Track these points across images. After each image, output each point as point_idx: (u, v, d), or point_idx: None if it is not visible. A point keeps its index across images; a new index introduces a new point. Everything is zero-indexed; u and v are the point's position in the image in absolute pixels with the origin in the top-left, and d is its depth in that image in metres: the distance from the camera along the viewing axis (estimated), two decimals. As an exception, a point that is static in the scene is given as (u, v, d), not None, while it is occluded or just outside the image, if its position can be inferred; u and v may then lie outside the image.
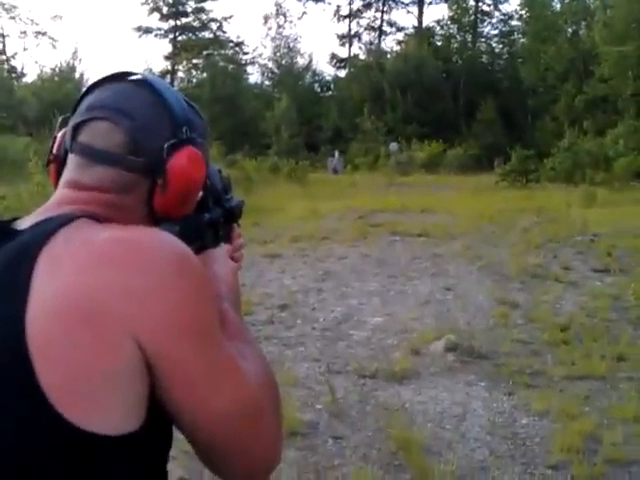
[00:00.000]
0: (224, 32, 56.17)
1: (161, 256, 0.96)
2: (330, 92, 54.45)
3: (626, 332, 6.64)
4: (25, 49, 66.58)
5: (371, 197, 19.52)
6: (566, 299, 8.13)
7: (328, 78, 56.99)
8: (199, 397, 0.96)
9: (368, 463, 4.11)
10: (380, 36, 58.11)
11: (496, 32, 53.78)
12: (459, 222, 14.27)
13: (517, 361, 5.91)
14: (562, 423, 4.64)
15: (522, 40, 50.79)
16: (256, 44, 58.87)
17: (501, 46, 54.00)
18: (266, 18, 58.61)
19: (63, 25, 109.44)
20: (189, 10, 54.52)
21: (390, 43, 77.40)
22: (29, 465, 0.92)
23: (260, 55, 70.86)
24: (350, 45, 58.63)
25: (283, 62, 55.49)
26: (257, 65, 58.44)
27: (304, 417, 4.76)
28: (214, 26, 55.31)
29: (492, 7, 53.16)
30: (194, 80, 53.69)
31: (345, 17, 58.03)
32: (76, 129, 1.12)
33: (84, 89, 1.17)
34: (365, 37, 60.28)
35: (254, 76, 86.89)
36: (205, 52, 54.42)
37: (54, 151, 1.18)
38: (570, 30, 44.09)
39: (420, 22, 55.98)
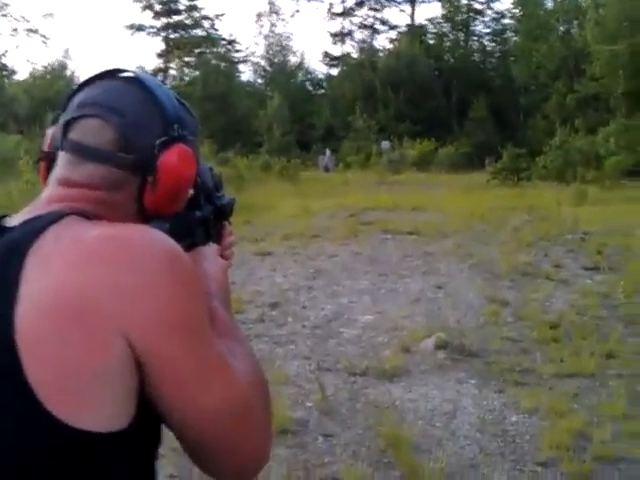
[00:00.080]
0: (216, 30, 56.15)
1: (151, 253, 0.96)
2: (322, 90, 54.47)
3: (616, 330, 6.67)
4: (16, 47, 66.36)
5: (362, 195, 19.52)
6: (556, 297, 8.16)
7: (320, 76, 57.07)
8: (189, 395, 0.96)
9: (358, 461, 4.12)
10: (373, 34, 58.17)
11: (488, 30, 53.90)
12: (450, 220, 14.29)
13: (507, 359, 5.93)
14: (551, 420, 4.66)
15: (514, 38, 50.91)
16: (249, 42, 59.46)
17: (493, 44, 54.09)
18: (259, 16, 58.77)
19: (55, 23, 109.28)
20: (181, 8, 54.40)
21: (383, 41, 77.67)
22: (19, 462, 0.92)
23: (252, 53, 70.77)
24: (343, 43, 58.87)
25: (275, 60, 55.46)
26: (249, 63, 58.65)
27: (294, 415, 4.76)
28: (206, 24, 55.25)
29: (484, 5, 53.24)
30: (186, 78, 53.57)
31: (338, 15, 58.03)
32: (67, 126, 1.11)
33: (75, 86, 1.17)
34: (358, 35, 60.50)
35: (246, 74, 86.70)
36: (197, 50, 54.30)
37: (44, 148, 1.17)
38: (562, 29, 44.19)
39: (413, 20, 56.04)
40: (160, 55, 54.97)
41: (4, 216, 1.08)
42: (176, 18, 54.77)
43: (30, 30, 51.07)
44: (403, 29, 56.90)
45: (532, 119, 42.69)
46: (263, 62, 56.52)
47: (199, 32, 55.38)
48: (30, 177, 12.60)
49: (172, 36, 55.16)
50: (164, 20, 54.44)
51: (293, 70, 55.25)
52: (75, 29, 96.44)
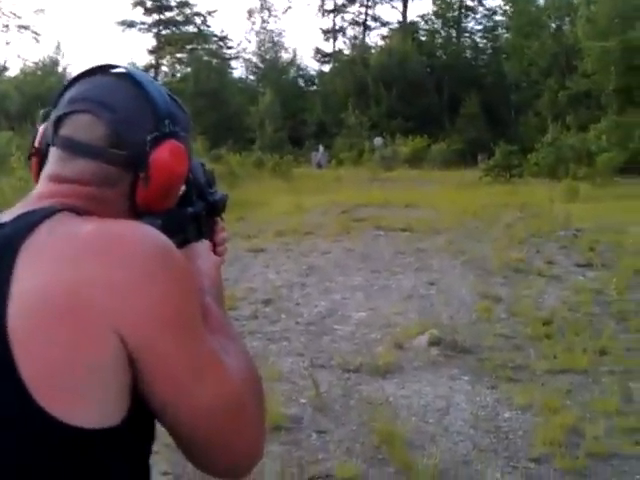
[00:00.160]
0: (208, 26, 56.08)
1: (143, 249, 0.96)
2: (314, 87, 54.49)
3: (608, 326, 6.69)
4: (7, 43, 66.19)
5: (355, 192, 19.52)
6: (549, 293, 8.18)
7: (312, 73, 57.07)
8: (181, 391, 0.96)
9: (352, 457, 4.12)
10: (364, 31, 58.16)
11: (480, 27, 53.99)
12: (443, 217, 14.30)
13: (500, 355, 5.94)
14: (544, 417, 4.67)
15: (506, 35, 50.98)
16: (240, 38, 59.30)
17: (485, 41, 54.18)
18: (250, 12, 58.87)
19: (46, 19, 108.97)
20: (173, 4, 54.27)
21: (374, 38, 77.35)
22: (14, 458, 0.92)
23: (244, 50, 70.77)
24: (334, 40, 58.68)
25: (267, 57, 55.43)
26: (241, 60, 58.34)
27: (288, 411, 4.76)
28: (198, 20, 55.15)
29: (476, 2, 53.32)
30: (178, 74, 53.51)
31: (329, 12, 58.01)
32: (58, 122, 1.11)
33: (66, 82, 1.16)
34: (349, 32, 60.29)
35: (238, 71, 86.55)
36: (189, 46, 54.23)
37: (36, 144, 1.17)
38: (554, 25, 44.28)
39: (404, 17, 56.04)
40: (151, 51, 54.88)
41: (-4, 212, 1.08)
42: (167, 14, 54.67)
43: (21, 26, 51.01)
44: (395, 26, 57.00)
45: (524, 116, 42.78)
46: (255, 58, 56.55)
47: (191, 28, 55.32)
48: (22, 174, 12.57)
49: (163, 32, 55.06)
50: (155, 16, 54.32)
51: (285, 66, 55.24)
52: (66, 25, 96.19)
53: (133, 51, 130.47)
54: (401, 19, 56.42)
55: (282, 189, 20.19)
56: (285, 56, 56.31)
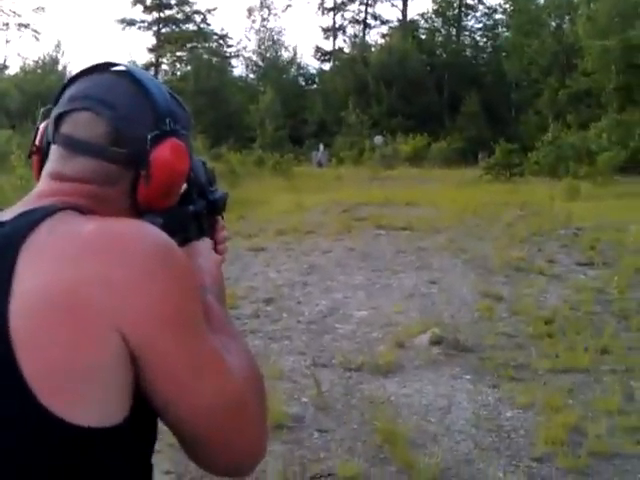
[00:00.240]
0: (208, 25, 56.12)
1: (143, 247, 0.95)
2: (315, 85, 54.53)
3: (610, 325, 6.68)
4: (7, 41, 66.17)
5: (356, 190, 19.53)
6: (550, 292, 8.17)
7: (313, 71, 57.13)
8: (182, 389, 0.96)
9: (354, 456, 4.11)
10: (364, 29, 58.23)
11: (480, 26, 54.06)
12: (443, 216, 14.31)
13: (501, 354, 5.93)
14: (546, 416, 4.66)
15: (506, 34, 51.00)
16: (240, 37, 59.24)
17: (485, 40, 54.23)
18: (250, 11, 58.72)
19: (46, 17, 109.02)
20: (173, 2, 54.29)
21: (374, 36, 77.42)
22: (15, 456, 0.91)
23: (244, 48, 70.58)
24: (334, 38, 58.70)
25: (267, 55, 55.46)
26: (241, 58, 58.56)
27: (290, 410, 4.75)
28: (198, 18, 55.20)
29: (476, 1, 53.35)
30: (178, 73, 53.54)
31: (329, 10, 58.08)
32: (58, 120, 1.10)
33: (66, 80, 1.16)
34: (349, 30, 60.38)
35: (238, 69, 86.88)
36: (189, 45, 54.26)
37: (36, 143, 1.17)
38: (554, 24, 44.32)
39: (404, 15, 56.08)
40: (151, 50, 54.92)
41: (-2, 210, 1.07)
42: (167, 12, 54.74)
43: (21, 25, 51.06)
44: (395, 24, 57.05)
45: (524, 114, 42.82)
46: (255, 57, 56.58)
47: (191, 27, 55.35)
48: (22, 172, 12.57)
49: (163, 31, 55.09)
50: (155, 14, 54.35)
51: (285, 65, 55.26)
52: (66, 24, 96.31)
53: (133, 49, 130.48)
54: (401, 17, 56.52)
55: (282, 188, 20.20)
56: (285, 54, 56.42)
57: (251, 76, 57.03)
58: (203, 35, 55.03)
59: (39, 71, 45.71)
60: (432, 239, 11.73)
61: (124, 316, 0.91)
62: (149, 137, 1.08)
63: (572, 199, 17.28)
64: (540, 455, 4.12)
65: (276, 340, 6.39)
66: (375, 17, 58.44)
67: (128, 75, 1.12)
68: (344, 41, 62.64)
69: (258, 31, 57.03)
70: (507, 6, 50.43)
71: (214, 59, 52.80)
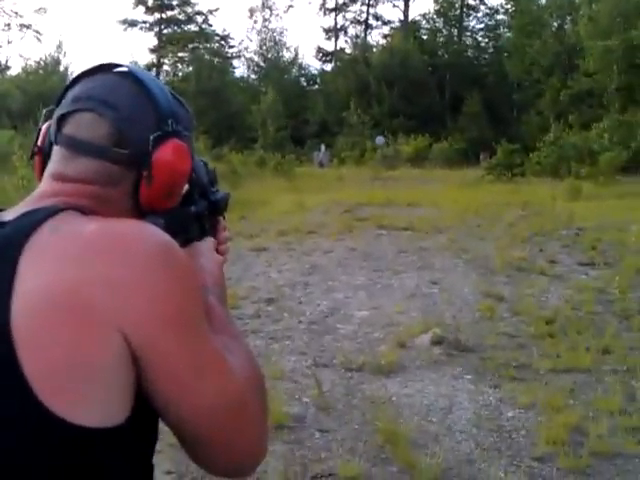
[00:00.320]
0: (210, 25, 56.17)
1: (145, 247, 0.95)
2: (316, 86, 54.54)
3: (611, 325, 6.68)
4: (9, 42, 66.11)
5: (357, 191, 19.53)
6: (551, 292, 8.17)
7: (314, 72, 57.13)
8: (183, 389, 0.96)
9: (355, 456, 4.11)
10: (366, 30, 58.18)
11: (482, 26, 54.03)
12: (445, 216, 14.30)
13: (503, 354, 5.92)
14: (548, 416, 4.66)
15: (508, 34, 50.98)
16: (242, 37, 59.14)
17: (487, 40, 54.21)
18: (252, 11, 58.70)
19: (48, 18, 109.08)
20: (174, 3, 54.31)
21: (376, 37, 77.33)
22: (16, 456, 0.91)
23: (246, 48, 70.71)
24: (336, 39, 58.66)
25: (269, 56, 55.47)
26: (243, 58, 58.54)
27: (291, 410, 4.75)
28: (200, 19, 55.25)
29: (478, 1, 53.35)
30: (180, 73, 53.56)
31: (331, 10, 58.05)
32: (61, 121, 1.10)
33: (69, 81, 1.16)
34: (351, 31, 60.37)
35: (240, 69, 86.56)
36: (191, 45, 54.28)
37: (39, 143, 1.17)
38: (555, 24, 44.32)
39: (406, 16, 56.02)
40: (153, 50, 54.94)
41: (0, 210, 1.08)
42: (169, 13, 54.76)
43: (23, 25, 51.01)
44: (396, 25, 57.02)
45: (526, 115, 42.80)
46: (256, 57, 56.59)
47: (192, 27, 55.40)
48: (24, 172, 12.58)
49: (165, 31, 55.11)
50: (157, 15, 54.38)
51: (287, 65, 55.28)
52: (68, 24, 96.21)
53: (135, 50, 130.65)
54: (403, 18, 56.42)
55: (284, 188, 20.20)
56: (287, 55, 56.44)
57: (253, 77, 57.10)
58: (205, 36, 55.05)
59: (41, 72, 45.73)
60: (434, 239, 11.73)
61: (126, 316, 0.91)
62: (151, 138, 1.08)
63: (574, 199, 17.27)
64: (541, 455, 4.12)
65: (277, 340, 6.39)
66: (377, 18, 58.49)
67: (131, 76, 1.12)
68: (346, 42, 62.63)
69: (260, 32, 57.08)
70: (509, 6, 50.48)
71: (216, 60, 52.82)
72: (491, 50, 53.21)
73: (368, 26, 58.09)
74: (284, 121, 42.94)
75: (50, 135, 1.13)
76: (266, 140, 39.41)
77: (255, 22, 63.23)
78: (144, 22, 54.59)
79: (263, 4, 58.19)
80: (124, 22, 54.48)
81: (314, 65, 73.58)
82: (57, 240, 0.94)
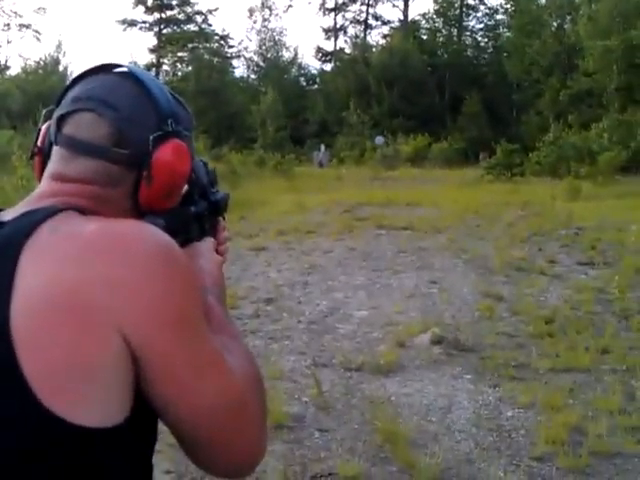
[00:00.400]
0: (209, 25, 56.17)
1: (145, 248, 0.95)
2: (316, 86, 54.54)
3: (610, 324, 6.68)
4: (9, 42, 66.16)
5: (357, 191, 19.53)
6: (551, 292, 8.17)
7: (314, 72, 57.15)
8: (183, 389, 0.96)
9: (354, 456, 4.11)
10: (366, 30, 58.20)
11: (481, 26, 54.06)
12: (444, 216, 14.30)
13: (502, 354, 5.92)
14: (547, 415, 4.66)
15: (507, 34, 50.98)
16: (241, 37, 59.13)
17: (486, 40, 54.21)
18: (251, 11, 58.75)
19: (47, 18, 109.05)
20: (174, 3, 54.29)
21: (376, 37, 77.33)
22: (15, 456, 0.91)
23: (245, 48, 70.69)
24: (336, 39, 58.68)
25: (269, 55, 55.47)
26: (242, 58, 58.49)
27: (290, 410, 4.75)
28: (199, 19, 55.25)
29: (477, 1, 53.36)
30: (179, 73, 53.54)
31: (331, 10, 58.06)
32: (61, 121, 1.10)
33: (69, 81, 1.16)
34: (351, 31, 60.38)
35: (239, 69, 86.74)
36: (190, 45, 54.25)
37: (38, 143, 1.17)
38: (555, 24, 44.29)
39: (406, 16, 56.04)
40: (152, 50, 54.93)
41: (-1, 210, 1.08)
42: (169, 13, 54.76)
43: (23, 25, 51.03)
44: (396, 24, 57.03)
45: (525, 115, 42.81)
46: (256, 57, 56.60)
47: (192, 27, 55.39)
48: (24, 172, 12.57)
49: (165, 31, 55.10)
50: (156, 15, 54.38)
51: (286, 65, 55.28)
52: (68, 24, 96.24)
53: (134, 50, 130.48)
54: (402, 18, 56.43)
55: (284, 188, 20.20)
56: (286, 55, 56.45)
57: (252, 76, 57.12)
58: (204, 36, 55.03)
59: (40, 72, 45.72)
60: (433, 239, 11.73)
61: (125, 316, 0.91)
62: (151, 138, 1.08)
63: (573, 199, 17.27)
64: (541, 454, 4.12)
65: (276, 340, 6.39)
66: (376, 17, 58.54)
67: (130, 76, 1.12)
68: (345, 41, 62.71)
69: (259, 31, 57.09)
70: (508, 6, 50.48)
71: (215, 59, 52.80)
72: (490, 50, 53.22)
73: (368, 26, 58.16)
74: (284, 121, 42.93)
75: (50, 135, 1.13)
76: (266, 140, 39.42)
77: (255, 22, 63.10)
78: (144, 22, 54.66)
79: (262, 4, 58.26)
80: (123, 22, 54.51)
81: (314, 65, 73.69)
82: (57, 240, 0.94)
